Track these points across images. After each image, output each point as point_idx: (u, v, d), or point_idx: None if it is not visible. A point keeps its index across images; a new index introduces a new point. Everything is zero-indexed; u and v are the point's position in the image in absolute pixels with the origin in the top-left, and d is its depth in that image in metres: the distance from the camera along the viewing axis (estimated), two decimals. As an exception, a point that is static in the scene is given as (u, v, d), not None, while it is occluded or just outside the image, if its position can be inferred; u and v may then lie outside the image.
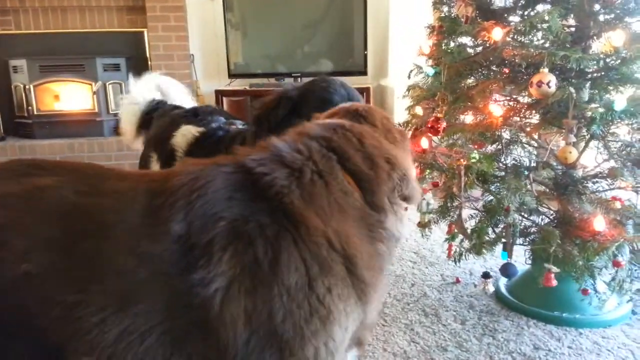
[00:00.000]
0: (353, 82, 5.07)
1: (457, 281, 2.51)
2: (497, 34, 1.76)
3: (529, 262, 2.06)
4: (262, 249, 0.99)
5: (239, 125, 2.21)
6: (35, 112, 4.99)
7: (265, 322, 0.98)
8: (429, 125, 2.06)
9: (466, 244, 2.08)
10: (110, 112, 5.07)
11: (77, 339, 1.00)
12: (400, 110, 3.10)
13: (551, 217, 1.94)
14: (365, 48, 5.09)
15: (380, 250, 1.14)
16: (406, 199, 1.20)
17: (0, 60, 5.11)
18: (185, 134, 2.14)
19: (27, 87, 4.93)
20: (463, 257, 2.19)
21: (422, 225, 2.23)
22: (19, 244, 1.02)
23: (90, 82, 4.97)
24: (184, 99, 2.69)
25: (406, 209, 1.28)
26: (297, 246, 1.01)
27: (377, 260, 1.13)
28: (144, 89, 2.61)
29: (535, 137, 1.96)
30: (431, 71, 2.15)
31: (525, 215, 1.95)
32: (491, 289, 2.15)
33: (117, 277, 0.99)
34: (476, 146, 1.94)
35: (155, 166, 2.28)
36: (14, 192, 1.09)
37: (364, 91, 4.97)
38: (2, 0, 4.99)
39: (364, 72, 5.13)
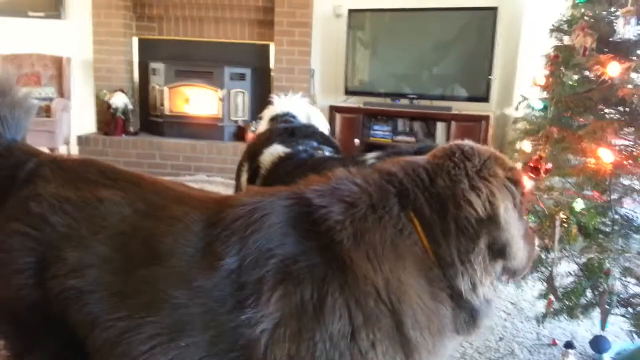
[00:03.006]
0: (473, 109, 4.86)
1: (554, 343, 2.20)
2: (613, 69, 1.54)
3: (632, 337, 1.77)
4: (308, 292, 0.95)
5: (327, 151, 2.18)
6: (166, 113, 5.41)
7: None
8: (531, 165, 1.87)
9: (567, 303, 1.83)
10: (231, 118, 5.34)
11: None
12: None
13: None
14: (490, 73, 4.82)
15: (442, 312, 1.01)
16: (501, 256, 1.03)
17: (143, 62, 5.62)
18: (273, 153, 2.17)
19: (161, 88, 5.37)
20: (562, 317, 1.93)
21: (512, 279, 2.01)
22: (72, 257, 1.06)
23: (217, 88, 5.28)
24: (319, 123, 2.70)
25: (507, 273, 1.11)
26: (343, 292, 0.96)
27: (436, 321, 1.01)
28: (284, 104, 2.69)
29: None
30: (539, 104, 1.94)
31: (632, 282, 1.67)
32: None
33: (170, 308, 0.99)
34: (579, 194, 1.71)
35: (245, 175, 2.34)
36: (72, 198, 1.12)
37: (483, 119, 4.72)
38: (150, 9, 5.51)
39: (485, 99, 4.87)
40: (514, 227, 1.03)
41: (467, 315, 1.06)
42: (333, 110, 5.15)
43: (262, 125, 2.60)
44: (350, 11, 5.19)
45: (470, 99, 4.94)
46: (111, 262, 1.05)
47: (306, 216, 1.03)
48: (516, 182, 1.07)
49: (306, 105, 2.67)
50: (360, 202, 1.03)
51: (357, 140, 5.04)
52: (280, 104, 2.60)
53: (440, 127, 4.94)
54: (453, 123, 4.83)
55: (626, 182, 1.60)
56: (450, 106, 4.95)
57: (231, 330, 0.97)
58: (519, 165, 2.05)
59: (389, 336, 0.97)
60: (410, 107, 5.06)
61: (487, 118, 4.73)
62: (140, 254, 1.04)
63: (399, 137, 5.06)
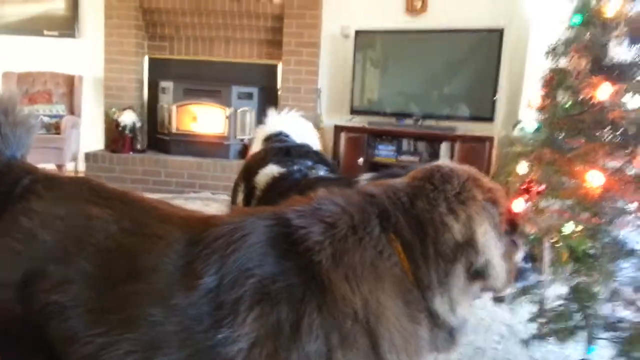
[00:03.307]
0: (479, 129, 4.87)
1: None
2: (603, 92, 1.55)
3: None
4: (285, 311, 0.96)
5: (321, 171, 2.19)
6: (174, 130, 5.48)
7: None
8: (524, 187, 1.87)
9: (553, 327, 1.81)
10: (237, 137, 5.39)
11: None
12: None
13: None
14: (495, 94, 4.84)
15: (419, 334, 1.02)
16: (479, 277, 1.04)
17: (153, 81, 5.72)
18: (268, 173, 2.18)
19: (170, 107, 5.45)
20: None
21: (497, 300, 2.00)
22: (56, 272, 1.07)
23: (224, 107, 5.34)
24: (311, 140, 2.71)
25: (487, 291, 1.11)
26: (320, 312, 0.96)
27: (413, 342, 1.01)
28: (277, 122, 2.72)
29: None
30: (533, 126, 1.95)
31: (620, 306, 1.65)
32: None
33: (147, 326, 1.00)
34: (571, 216, 1.70)
35: (241, 195, 2.35)
36: (61, 215, 1.14)
37: (487, 140, 4.72)
38: (161, 29, 5.62)
39: (490, 119, 4.87)
40: (492, 249, 1.04)
41: (446, 334, 1.07)
42: (338, 129, 5.18)
43: (256, 145, 2.62)
44: (358, 32, 5.25)
45: (476, 119, 4.95)
46: (94, 278, 1.06)
47: (286, 236, 1.04)
48: (495, 203, 1.08)
49: (298, 121, 2.69)
50: (340, 223, 1.04)
51: (361, 160, 5.06)
52: (273, 122, 2.62)
53: (444, 147, 4.94)
54: (457, 143, 4.83)
55: (618, 205, 1.60)
56: (455, 126, 4.96)
57: (207, 350, 0.97)
58: (514, 186, 2.05)
59: (365, 357, 0.97)
60: (415, 127, 5.08)
61: (491, 139, 4.73)
62: (121, 271, 1.05)
63: (403, 157, 5.07)
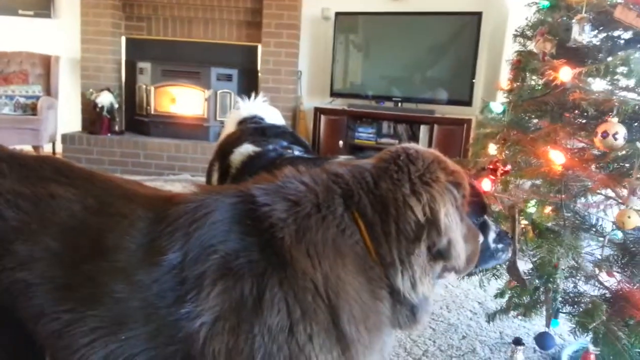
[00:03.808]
0: (458, 112, 4.91)
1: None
2: (565, 74, 1.58)
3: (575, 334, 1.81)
4: (248, 286, 0.98)
5: (297, 151, 2.20)
6: (152, 112, 5.44)
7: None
8: (491, 167, 1.91)
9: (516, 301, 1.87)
10: (217, 119, 5.37)
11: (65, 356, 1.06)
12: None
13: (611, 288, 1.69)
14: (473, 77, 4.87)
15: (379, 309, 1.05)
16: (441, 257, 1.06)
17: (130, 61, 5.65)
18: (243, 152, 2.19)
19: (148, 88, 5.40)
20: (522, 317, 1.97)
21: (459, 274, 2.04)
22: (22, 250, 1.08)
23: (204, 89, 5.31)
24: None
25: (449, 271, 1.14)
26: (281, 287, 0.98)
27: (373, 318, 1.04)
28: (250, 107, 2.73)
29: (604, 192, 1.72)
30: (499, 108, 1.98)
31: (581, 281, 1.71)
32: (520, 358, 1.90)
33: (112, 302, 1.02)
34: (535, 194, 1.75)
35: (216, 175, 2.36)
36: (26, 194, 1.15)
37: (465, 123, 4.78)
38: (138, 9, 5.54)
39: (468, 103, 4.92)
40: (455, 230, 1.06)
41: (408, 312, 1.10)
42: (318, 111, 5.19)
43: (229, 128, 2.63)
44: (337, 14, 5.23)
45: (454, 102, 4.99)
46: (59, 256, 1.07)
47: (250, 213, 1.05)
48: (458, 185, 1.11)
49: (267, 108, 2.72)
50: (305, 200, 1.05)
51: (341, 142, 5.08)
52: (246, 107, 2.64)
53: (423, 129, 4.99)
54: (436, 126, 4.88)
55: (579, 183, 1.64)
56: (434, 109, 5.00)
57: (171, 324, 0.99)
58: (483, 166, 2.09)
59: (325, 330, 0.99)
60: (394, 110, 5.11)
61: (469, 121, 4.78)
62: (86, 249, 1.06)
63: (383, 140, 5.11)
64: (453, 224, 1.06)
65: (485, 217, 1.44)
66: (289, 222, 1.03)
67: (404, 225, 1.03)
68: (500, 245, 1.42)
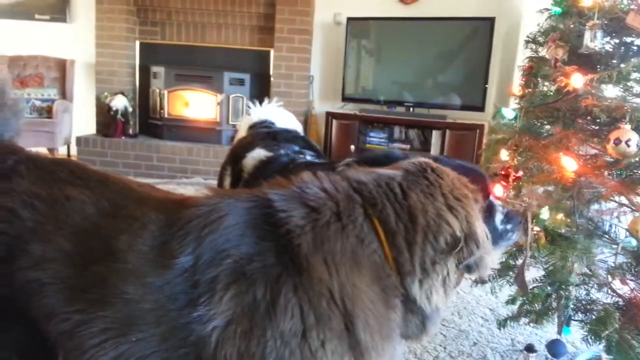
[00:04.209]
0: (470, 118, 4.91)
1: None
2: (577, 80, 1.58)
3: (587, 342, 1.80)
4: (261, 291, 0.98)
5: (308, 156, 2.21)
6: (166, 116, 5.49)
7: None
8: (503, 173, 1.91)
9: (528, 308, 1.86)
10: (230, 123, 5.40)
11: (75, 356, 1.07)
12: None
13: (624, 296, 1.67)
14: (486, 83, 4.86)
15: (392, 318, 1.05)
16: (469, 269, 1.08)
17: (144, 66, 5.71)
18: (255, 157, 2.20)
19: (162, 92, 5.45)
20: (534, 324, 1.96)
21: (479, 281, 2.05)
22: (36, 250, 1.10)
23: (216, 93, 5.35)
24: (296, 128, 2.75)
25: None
26: (296, 293, 0.98)
27: (385, 326, 1.04)
28: (261, 112, 2.75)
29: (617, 199, 1.71)
30: (511, 114, 1.98)
31: (594, 289, 1.70)
32: None
33: (122, 304, 1.03)
34: (547, 201, 1.74)
35: (228, 179, 2.37)
36: (43, 195, 1.17)
37: (477, 128, 4.76)
38: (153, 14, 5.60)
39: (481, 109, 4.90)
40: (488, 244, 1.08)
41: (418, 321, 1.10)
42: (329, 116, 5.20)
43: (241, 133, 2.65)
44: (349, 19, 5.25)
45: (467, 107, 4.98)
46: (71, 256, 1.09)
47: (266, 218, 1.05)
48: (478, 200, 1.13)
49: (282, 112, 2.72)
50: (324, 208, 1.05)
51: (352, 147, 5.09)
52: (257, 112, 2.65)
53: (435, 135, 4.98)
54: (448, 131, 4.87)
55: (592, 189, 1.64)
56: (446, 115, 5.00)
57: (182, 327, 1.00)
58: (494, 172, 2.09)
59: (339, 337, 0.99)
60: (406, 115, 5.11)
61: (481, 127, 4.77)
62: (98, 251, 1.08)
63: (395, 145, 5.11)
64: (486, 239, 1.08)
65: (491, 198, 1.46)
66: (307, 229, 1.03)
67: (437, 237, 1.04)
68: (509, 226, 1.42)
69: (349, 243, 1.02)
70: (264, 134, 2.44)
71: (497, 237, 1.40)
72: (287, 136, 2.42)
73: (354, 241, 1.03)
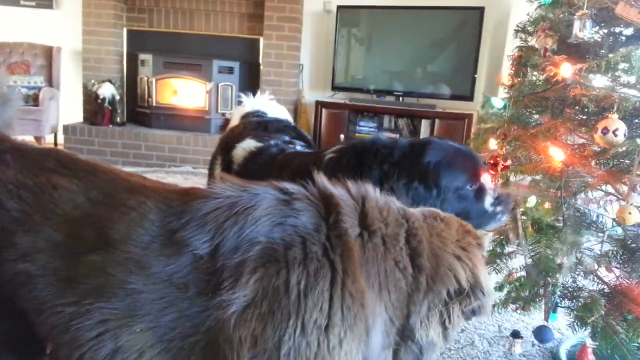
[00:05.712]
0: (459, 107, 4.92)
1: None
2: (566, 70, 1.59)
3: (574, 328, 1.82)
4: (296, 277, 0.97)
5: (299, 146, 2.20)
6: (154, 104, 5.44)
7: (271, 349, 0.96)
8: (491, 162, 1.92)
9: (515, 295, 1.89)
10: (219, 111, 5.37)
11: (69, 350, 1.04)
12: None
13: (610, 284, 1.70)
14: (475, 72, 4.87)
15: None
16: (473, 314, 1.09)
17: (132, 53, 5.64)
18: (245, 147, 2.18)
19: (150, 80, 5.40)
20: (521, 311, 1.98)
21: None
22: (23, 242, 1.08)
23: (205, 81, 5.30)
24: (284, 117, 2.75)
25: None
26: (332, 289, 0.98)
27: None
28: (254, 102, 2.73)
29: (604, 188, 1.73)
30: (500, 103, 1.99)
31: (580, 276, 1.72)
32: (518, 350, 1.92)
33: (123, 294, 1.00)
34: (535, 190, 1.76)
35: (218, 169, 2.36)
36: (29, 184, 1.15)
37: (466, 118, 4.78)
38: (140, 1, 5.53)
39: (470, 98, 4.91)
40: (492, 293, 1.10)
41: (417, 351, 1.11)
42: (319, 105, 5.19)
43: (233, 122, 2.64)
44: (340, 7, 5.22)
45: (456, 97, 4.99)
46: (61, 247, 1.07)
47: (321, 213, 1.05)
48: (481, 247, 1.13)
49: (273, 104, 2.72)
50: (378, 231, 1.06)
51: (342, 136, 5.09)
52: (250, 103, 2.64)
53: (424, 124, 4.99)
54: (437, 121, 4.88)
55: (579, 179, 1.65)
56: (435, 104, 5.00)
57: (194, 315, 0.98)
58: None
59: (358, 342, 0.99)
60: (396, 104, 5.11)
61: (470, 116, 4.79)
62: (90, 241, 1.06)
63: (384, 134, 5.11)
64: (490, 287, 1.09)
65: (481, 181, 1.49)
66: (358, 242, 1.03)
67: (444, 286, 1.04)
68: (499, 208, 1.49)
69: (388, 265, 1.03)
70: (255, 123, 2.43)
71: (487, 218, 1.44)
72: (278, 126, 2.41)
73: (392, 264, 1.04)
